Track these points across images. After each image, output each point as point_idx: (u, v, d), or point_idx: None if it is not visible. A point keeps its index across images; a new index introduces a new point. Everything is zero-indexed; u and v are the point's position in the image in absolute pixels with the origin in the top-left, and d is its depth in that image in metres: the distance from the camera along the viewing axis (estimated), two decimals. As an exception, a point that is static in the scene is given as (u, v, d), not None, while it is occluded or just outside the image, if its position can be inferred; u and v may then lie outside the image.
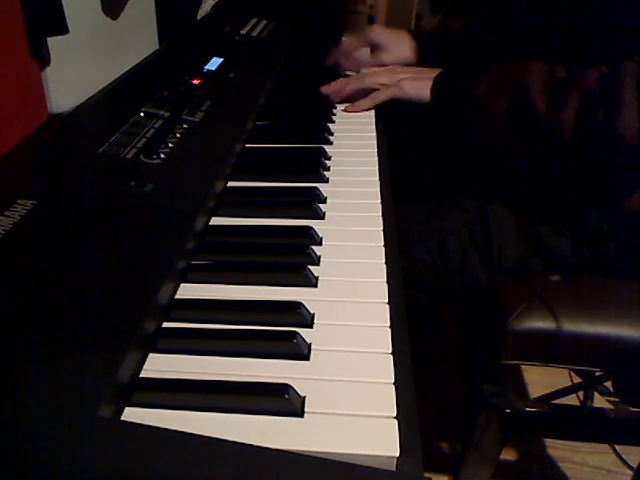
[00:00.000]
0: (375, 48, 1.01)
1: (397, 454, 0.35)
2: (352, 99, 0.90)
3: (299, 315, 0.46)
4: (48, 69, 0.67)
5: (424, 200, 0.88)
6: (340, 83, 0.92)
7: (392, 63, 0.98)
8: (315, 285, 0.51)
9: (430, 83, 0.82)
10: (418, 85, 0.83)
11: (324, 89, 0.91)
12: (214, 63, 0.94)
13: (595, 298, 0.76)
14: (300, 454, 0.34)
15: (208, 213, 0.61)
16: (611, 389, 1.04)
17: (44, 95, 0.67)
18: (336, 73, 1.06)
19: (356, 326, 0.46)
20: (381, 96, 0.86)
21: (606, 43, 0.76)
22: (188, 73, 0.88)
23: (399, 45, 1.00)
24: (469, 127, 0.79)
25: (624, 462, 1.18)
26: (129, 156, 0.62)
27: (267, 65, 1.02)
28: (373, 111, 0.90)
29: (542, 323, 0.73)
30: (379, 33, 1.01)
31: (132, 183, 0.58)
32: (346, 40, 1.07)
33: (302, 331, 0.45)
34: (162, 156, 0.63)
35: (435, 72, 0.84)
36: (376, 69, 0.93)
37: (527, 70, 0.74)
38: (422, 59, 0.99)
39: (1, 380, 0.36)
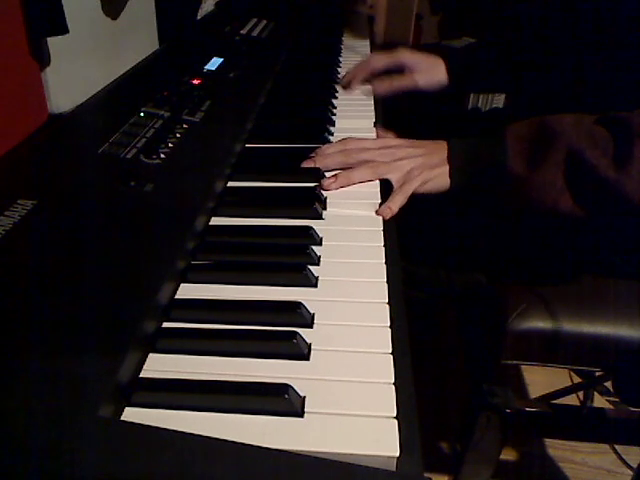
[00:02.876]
0: (406, 70, 0.97)
1: (397, 454, 0.35)
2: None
3: (299, 315, 0.46)
4: (48, 69, 0.67)
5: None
6: (328, 159, 0.71)
7: (427, 86, 0.96)
8: (315, 285, 0.51)
9: (446, 169, 0.69)
10: (432, 177, 0.69)
11: (305, 163, 0.71)
12: (214, 63, 0.94)
13: (595, 298, 0.76)
14: (300, 454, 0.34)
15: (208, 213, 0.61)
16: (611, 389, 1.04)
17: (44, 95, 0.67)
18: (335, 73, 1.06)
19: (356, 326, 0.46)
20: (396, 206, 0.66)
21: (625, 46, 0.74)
22: (188, 73, 0.88)
23: (434, 69, 0.97)
24: (508, 205, 0.69)
25: (624, 462, 1.18)
26: (129, 156, 0.62)
27: (267, 65, 1.02)
28: (373, 111, 0.90)
29: (542, 323, 0.73)
30: (409, 56, 0.98)
31: (132, 183, 0.58)
32: (373, 59, 1.00)
33: (302, 331, 0.45)
34: (162, 156, 0.63)
35: (443, 149, 0.70)
36: (369, 145, 0.73)
37: (564, 128, 0.65)
38: (454, 82, 0.97)
39: (1, 380, 0.36)
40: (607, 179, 0.61)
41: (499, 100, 1.65)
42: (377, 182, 0.69)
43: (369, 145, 0.72)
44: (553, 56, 0.87)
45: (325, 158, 0.70)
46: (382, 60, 0.99)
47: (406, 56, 0.97)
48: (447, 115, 0.81)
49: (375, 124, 0.86)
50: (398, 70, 0.98)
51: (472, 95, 1.63)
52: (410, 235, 0.75)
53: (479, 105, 1.66)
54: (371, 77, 0.99)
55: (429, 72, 0.97)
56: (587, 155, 0.62)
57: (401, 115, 0.79)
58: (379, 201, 0.65)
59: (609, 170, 0.61)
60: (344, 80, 1.01)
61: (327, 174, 0.69)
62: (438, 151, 0.70)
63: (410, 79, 0.96)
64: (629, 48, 0.73)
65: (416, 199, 0.68)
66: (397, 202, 0.65)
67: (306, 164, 0.70)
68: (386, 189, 0.68)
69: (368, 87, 0.98)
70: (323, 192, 0.66)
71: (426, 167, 0.69)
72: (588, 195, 0.64)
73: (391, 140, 0.74)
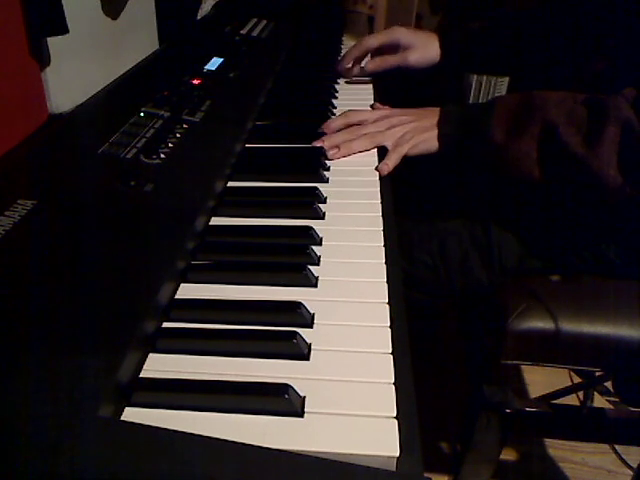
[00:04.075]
0: (400, 48, 0.98)
1: (397, 454, 0.35)
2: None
3: (299, 315, 0.46)
4: (48, 69, 0.67)
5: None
6: (333, 138, 0.77)
7: (418, 64, 0.97)
8: (315, 285, 0.51)
9: (435, 133, 0.76)
10: (422, 140, 0.76)
11: (316, 143, 0.77)
12: (214, 63, 0.94)
13: (595, 298, 0.76)
14: (300, 454, 0.34)
15: (208, 213, 0.61)
16: (611, 389, 1.04)
17: (44, 95, 0.67)
18: (336, 73, 1.06)
19: (356, 326, 0.46)
20: (391, 164, 0.73)
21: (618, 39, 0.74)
22: (188, 73, 0.88)
23: (428, 46, 0.97)
24: (490, 171, 0.75)
25: (624, 462, 1.18)
26: (129, 156, 0.62)
27: (267, 65, 1.02)
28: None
29: (542, 323, 0.73)
30: (404, 33, 0.98)
31: (132, 183, 0.58)
32: (368, 38, 1.01)
33: (302, 331, 0.45)
34: (162, 156, 0.63)
35: (433, 114, 0.77)
36: (367, 116, 0.80)
37: (545, 103, 0.68)
38: (446, 59, 0.98)
39: (1, 380, 0.36)
40: (576, 155, 0.65)
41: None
42: (377, 183, 0.69)
43: (367, 116, 0.80)
44: (553, 48, 0.88)
45: (331, 138, 0.77)
46: (376, 38, 1.00)
47: (401, 33, 0.98)
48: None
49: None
50: (393, 48, 0.98)
51: (472, 95, 1.63)
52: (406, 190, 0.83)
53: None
54: (365, 56, 1.02)
55: (423, 49, 0.97)
56: (561, 131, 0.66)
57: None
58: (379, 201, 0.65)
59: (579, 147, 0.65)
60: (341, 62, 1.03)
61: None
62: (430, 116, 0.77)
63: (401, 56, 0.97)
64: (630, 41, 0.73)
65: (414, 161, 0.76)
66: (392, 160, 0.73)
67: (317, 144, 0.76)
68: (386, 190, 0.68)
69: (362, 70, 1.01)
70: (324, 161, 0.73)
71: (417, 131, 0.76)
72: (557, 168, 0.68)
73: (387, 110, 0.81)
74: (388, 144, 0.76)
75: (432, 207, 0.89)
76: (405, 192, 0.78)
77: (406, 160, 0.75)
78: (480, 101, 1.67)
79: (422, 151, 0.76)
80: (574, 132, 0.65)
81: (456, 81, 1.60)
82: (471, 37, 0.98)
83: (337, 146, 0.75)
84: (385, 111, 0.81)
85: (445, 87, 1.27)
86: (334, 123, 0.79)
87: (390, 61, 0.98)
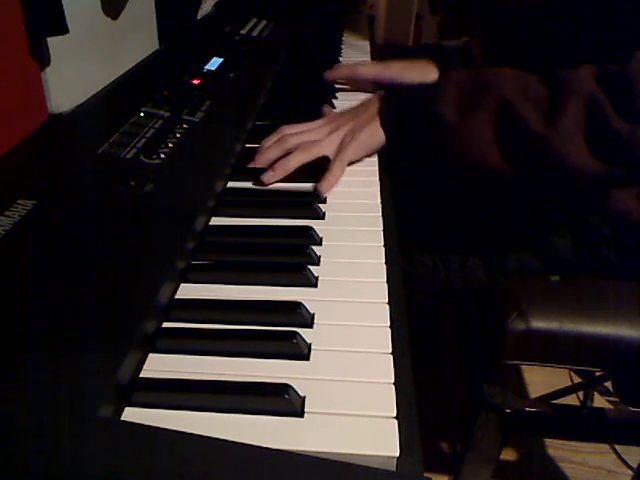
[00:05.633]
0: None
1: (397, 454, 0.35)
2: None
3: (299, 315, 0.46)
4: (48, 69, 0.67)
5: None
6: (266, 154, 0.70)
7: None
8: (315, 285, 0.51)
9: (377, 123, 0.68)
10: (365, 136, 0.68)
11: (251, 164, 0.70)
12: (214, 63, 0.94)
13: (595, 298, 0.76)
14: (300, 454, 0.34)
15: (208, 213, 0.61)
16: (611, 389, 1.04)
17: (44, 95, 0.67)
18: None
19: (356, 326, 0.46)
20: (334, 178, 0.66)
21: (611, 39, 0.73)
22: (188, 73, 0.88)
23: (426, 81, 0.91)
24: (445, 157, 0.67)
25: (624, 462, 1.18)
26: (129, 156, 0.62)
27: (267, 65, 1.02)
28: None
29: (542, 323, 0.73)
30: (399, 72, 0.91)
31: (132, 183, 0.58)
32: (362, 68, 0.95)
33: (302, 331, 0.45)
34: (162, 156, 0.63)
35: (373, 104, 0.69)
36: (302, 128, 0.72)
37: (499, 80, 0.63)
38: None
39: (1, 380, 0.36)
40: (535, 133, 0.60)
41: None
42: (377, 183, 0.69)
43: (302, 128, 0.72)
44: (551, 57, 0.87)
45: (264, 154, 0.69)
46: (369, 73, 0.94)
47: (395, 72, 0.91)
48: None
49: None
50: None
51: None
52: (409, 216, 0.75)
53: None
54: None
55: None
56: (518, 108, 0.60)
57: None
58: (379, 201, 0.65)
59: (538, 125, 0.59)
60: (331, 74, 0.98)
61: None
62: (368, 107, 0.70)
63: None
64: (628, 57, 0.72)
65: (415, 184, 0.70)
66: (335, 174, 0.66)
67: (252, 165, 0.69)
68: (386, 190, 0.68)
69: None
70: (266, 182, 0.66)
71: (356, 129, 0.69)
72: (516, 150, 0.63)
73: (325, 118, 0.74)
74: (328, 153, 0.68)
75: (432, 241, 0.85)
76: (405, 227, 0.70)
77: (406, 189, 0.68)
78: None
79: (368, 149, 0.69)
80: (533, 109, 0.60)
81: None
82: (467, 58, 0.93)
83: (272, 168, 0.67)
84: (320, 120, 0.73)
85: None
86: (268, 141, 0.71)
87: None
